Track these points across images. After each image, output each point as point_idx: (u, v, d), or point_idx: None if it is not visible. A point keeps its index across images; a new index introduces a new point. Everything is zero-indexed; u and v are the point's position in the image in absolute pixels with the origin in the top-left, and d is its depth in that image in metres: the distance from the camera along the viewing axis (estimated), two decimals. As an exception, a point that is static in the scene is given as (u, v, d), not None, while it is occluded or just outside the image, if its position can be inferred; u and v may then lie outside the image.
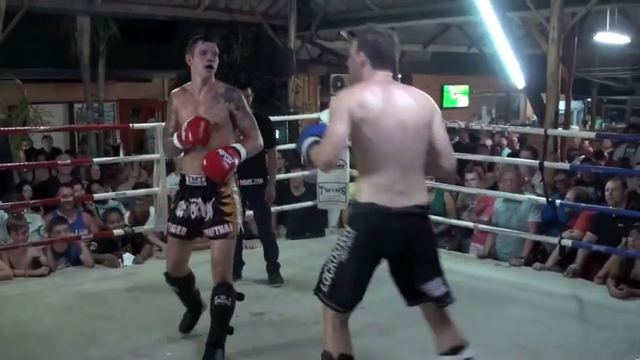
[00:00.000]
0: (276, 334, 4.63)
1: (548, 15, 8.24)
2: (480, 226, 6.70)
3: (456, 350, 3.21)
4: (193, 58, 4.06)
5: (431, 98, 3.22)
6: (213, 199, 4.01)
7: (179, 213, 4.07)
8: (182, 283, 4.34)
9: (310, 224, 7.60)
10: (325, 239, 7.32)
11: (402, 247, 3.12)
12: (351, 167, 6.84)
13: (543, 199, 6.18)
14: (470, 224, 6.87)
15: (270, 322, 4.89)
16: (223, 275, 4.04)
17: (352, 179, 6.52)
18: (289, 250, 6.56)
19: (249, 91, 5.68)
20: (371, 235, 3.09)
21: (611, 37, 11.76)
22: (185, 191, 4.09)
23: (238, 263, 5.63)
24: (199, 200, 4.02)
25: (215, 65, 4.06)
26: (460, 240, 7.29)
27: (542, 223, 6.39)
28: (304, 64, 14.11)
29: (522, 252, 6.38)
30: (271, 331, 4.70)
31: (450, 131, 11.54)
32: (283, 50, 12.15)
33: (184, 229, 4.07)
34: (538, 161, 6.59)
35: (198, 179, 4.00)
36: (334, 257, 3.14)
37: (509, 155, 10.08)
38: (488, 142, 11.82)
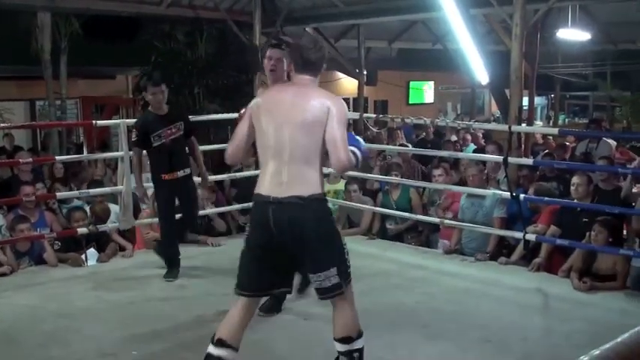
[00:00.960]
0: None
1: (511, 12, 8.31)
2: (446, 221, 6.74)
3: (347, 340, 3.38)
4: (264, 62, 4.56)
5: (338, 101, 3.35)
6: None
7: None
8: None
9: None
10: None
11: (287, 237, 3.29)
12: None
13: (507, 194, 6.23)
14: (436, 220, 6.90)
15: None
16: None
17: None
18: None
19: (164, 87, 5.78)
20: (257, 223, 3.38)
21: (572, 34, 11.90)
22: None
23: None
24: None
25: (278, 69, 4.46)
26: (428, 235, 7.34)
27: (508, 218, 6.45)
28: (270, 61, 14.05)
29: (488, 247, 6.43)
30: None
31: (417, 127, 11.62)
32: (249, 47, 12.09)
33: None
34: (502, 157, 6.63)
35: None
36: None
37: (474, 151, 10.15)
38: (454, 138, 11.90)
